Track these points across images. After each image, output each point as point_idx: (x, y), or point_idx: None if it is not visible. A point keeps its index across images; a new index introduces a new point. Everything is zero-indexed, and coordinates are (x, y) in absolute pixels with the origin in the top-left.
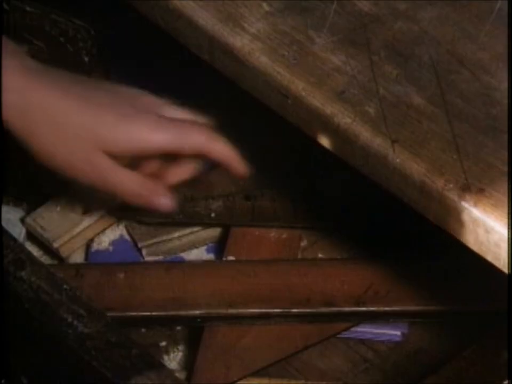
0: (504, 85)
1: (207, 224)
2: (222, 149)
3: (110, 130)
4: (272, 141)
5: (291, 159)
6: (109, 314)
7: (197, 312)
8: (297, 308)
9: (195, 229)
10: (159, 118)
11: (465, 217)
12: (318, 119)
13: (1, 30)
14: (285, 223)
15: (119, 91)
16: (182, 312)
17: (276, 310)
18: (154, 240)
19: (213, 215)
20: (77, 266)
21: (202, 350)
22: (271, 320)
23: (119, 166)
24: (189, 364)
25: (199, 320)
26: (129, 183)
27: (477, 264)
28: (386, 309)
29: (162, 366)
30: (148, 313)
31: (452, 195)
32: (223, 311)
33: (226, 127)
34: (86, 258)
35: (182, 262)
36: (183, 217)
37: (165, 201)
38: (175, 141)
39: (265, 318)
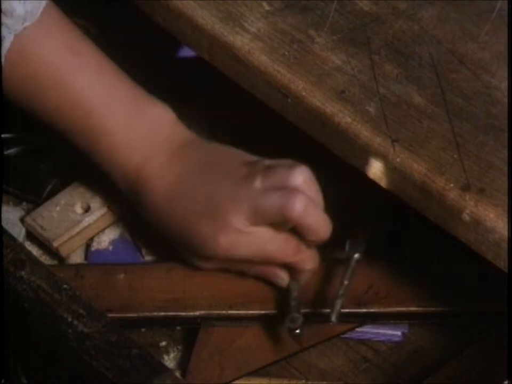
0: (505, 84)
1: None
2: (317, 223)
3: (209, 245)
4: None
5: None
6: (109, 315)
7: (197, 313)
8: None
9: None
10: (254, 202)
11: (466, 216)
12: (318, 118)
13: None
14: None
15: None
16: (182, 313)
17: (276, 311)
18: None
19: None
20: (76, 266)
21: (197, 349)
22: (271, 320)
23: None
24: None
25: (199, 321)
26: None
27: (477, 264)
28: (387, 310)
29: (162, 366)
30: (148, 314)
31: (452, 194)
32: (223, 312)
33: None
34: (86, 257)
35: (182, 262)
36: None
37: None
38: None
39: (265, 318)
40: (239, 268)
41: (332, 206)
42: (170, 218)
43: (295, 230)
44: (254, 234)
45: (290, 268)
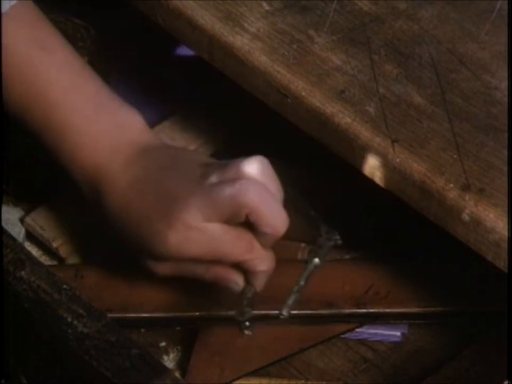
0: (505, 84)
1: None
2: (272, 214)
3: (160, 243)
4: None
5: (290, 160)
6: (109, 315)
7: (197, 313)
8: (297, 309)
9: None
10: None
11: (465, 217)
12: (318, 118)
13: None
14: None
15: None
16: (182, 314)
17: (275, 312)
18: None
19: None
20: (76, 267)
21: (197, 350)
22: (271, 321)
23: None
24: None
25: (199, 321)
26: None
27: (477, 264)
28: (387, 310)
29: (162, 366)
30: (148, 315)
31: (452, 195)
32: (223, 312)
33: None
34: (86, 258)
35: None
36: None
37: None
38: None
39: (264, 319)
40: (192, 271)
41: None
42: (126, 218)
43: (250, 227)
44: (206, 230)
45: (245, 271)
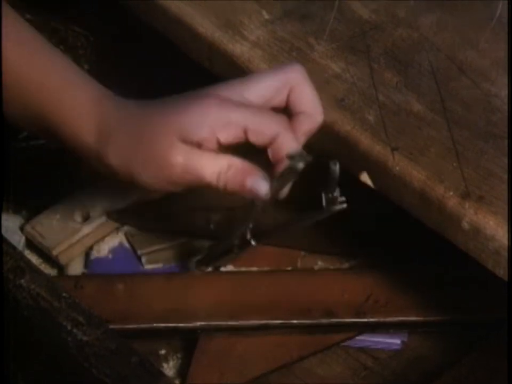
0: (504, 92)
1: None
2: (313, 94)
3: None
4: None
5: None
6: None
7: (197, 323)
8: (297, 319)
9: None
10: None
11: (465, 224)
12: None
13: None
14: (285, 242)
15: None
16: (182, 324)
17: (276, 321)
18: (154, 247)
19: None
20: (76, 277)
21: (197, 356)
22: (271, 330)
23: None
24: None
25: (199, 331)
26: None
27: (477, 272)
28: (386, 319)
29: (161, 374)
30: (148, 325)
31: (452, 202)
32: (223, 322)
33: None
34: (86, 266)
35: (182, 272)
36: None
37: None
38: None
39: (265, 328)
40: (214, 173)
41: None
42: (148, 120)
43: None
44: (244, 104)
45: (272, 156)
